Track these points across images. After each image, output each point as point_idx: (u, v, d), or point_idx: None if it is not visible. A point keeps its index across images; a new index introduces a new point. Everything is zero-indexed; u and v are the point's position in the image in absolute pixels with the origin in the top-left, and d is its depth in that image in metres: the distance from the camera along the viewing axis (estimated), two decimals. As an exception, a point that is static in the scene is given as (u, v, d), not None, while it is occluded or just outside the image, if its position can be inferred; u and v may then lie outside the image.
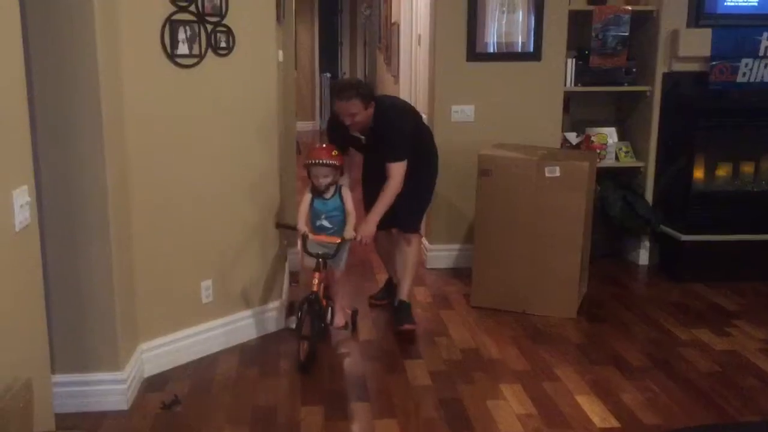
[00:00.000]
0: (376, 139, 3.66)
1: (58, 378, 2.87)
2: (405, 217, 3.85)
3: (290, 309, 3.89)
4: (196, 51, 3.25)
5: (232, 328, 3.61)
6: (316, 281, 3.41)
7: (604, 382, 3.24)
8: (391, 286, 4.21)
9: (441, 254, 4.88)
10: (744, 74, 4.53)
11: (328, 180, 3.45)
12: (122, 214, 3.03)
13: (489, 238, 4.14)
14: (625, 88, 4.82)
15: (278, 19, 3.82)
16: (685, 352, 3.55)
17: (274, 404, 3.05)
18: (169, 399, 3.02)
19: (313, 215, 3.51)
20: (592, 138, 4.87)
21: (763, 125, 4.69)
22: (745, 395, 3.11)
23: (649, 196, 4.88)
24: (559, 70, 4.69)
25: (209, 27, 3.29)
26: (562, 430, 2.83)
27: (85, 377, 2.96)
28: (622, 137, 5.03)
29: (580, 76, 4.79)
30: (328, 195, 3.48)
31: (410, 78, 6.84)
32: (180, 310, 3.39)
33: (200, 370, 3.35)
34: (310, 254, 3.44)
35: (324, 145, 3.53)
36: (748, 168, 4.92)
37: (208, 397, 3.11)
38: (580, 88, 4.80)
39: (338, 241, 3.43)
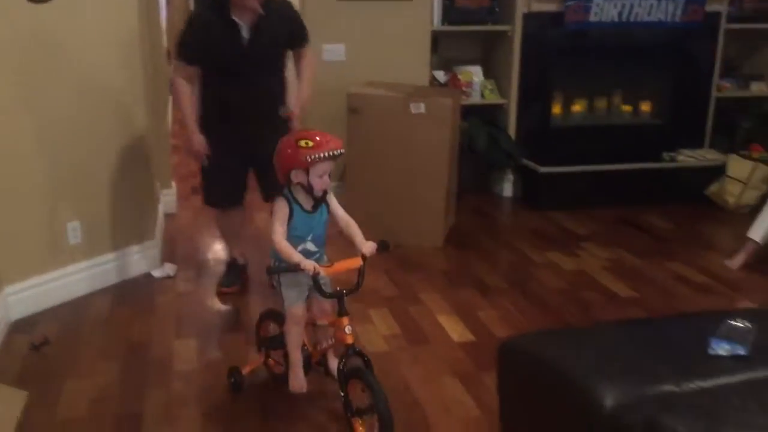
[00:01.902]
0: (266, 30, 3.10)
1: None
2: None
3: (235, 378, 2.72)
4: (50, -17, 3.14)
5: (103, 270, 3.59)
6: (349, 330, 2.38)
7: (465, 303, 3.49)
8: (237, 269, 3.68)
9: (316, 192, 4.98)
10: (596, 14, 4.82)
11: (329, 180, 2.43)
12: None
13: (360, 174, 4.29)
14: (489, 27, 5.02)
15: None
16: (538, 272, 3.87)
17: (147, 339, 3.11)
18: (38, 340, 3.02)
19: (293, 237, 2.40)
20: (459, 76, 5.07)
21: (615, 62, 5.03)
22: (586, 308, 3.45)
23: (512, 131, 5.15)
24: (425, 10, 4.82)
25: (62, -41, 3.18)
26: (423, 346, 3.06)
27: (-54, 322, 2.91)
28: (487, 75, 5.25)
29: (447, 16, 4.94)
30: (309, 205, 2.43)
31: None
32: (46, 251, 3.35)
33: (71, 311, 3.35)
34: (328, 296, 2.41)
35: (316, 131, 2.40)
36: (601, 103, 5.29)
37: (80, 337, 3.13)
38: (446, 28, 4.96)
39: (361, 263, 2.41)
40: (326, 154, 2.32)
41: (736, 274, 3.85)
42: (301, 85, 3.38)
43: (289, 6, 3.36)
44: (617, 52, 4.99)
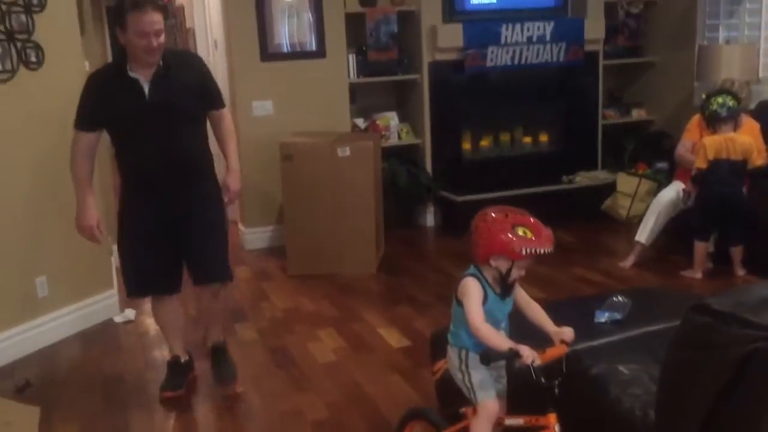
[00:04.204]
0: (171, 83, 2.84)
1: None
2: (221, 263, 3.12)
3: None
4: (8, 67, 3.54)
5: (70, 319, 3.91)
6: (559, 429, 2.07)
7: (400, 317, 3.98)
8: (180, 368, 3.24)
9: (257, 236, 5.41)
10: (491, 60, 5.49)
11: None
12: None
13: (297, 214, 4.76)
14: (399, 77, 5.63)
15: (81, 30, 4.14)
16: (462, 286, 4.40)
17: (120, 373, 3.46)
18: (20, 383, 3.31)
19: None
20: (377, 122, 5.64)
21: (513, 100, 5.70)
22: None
23: (429, 167, 5.73)
24: (342, 65, 5.39)
25: (19, 44, 3.58)
26: (367, 354, 3.52)
27: (-66, 374, 3.18)
28: (402, 119, 5.83)
29: (362, 69, 5.52)
30: (498, 289, 2.17)
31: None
32: (17, 306, 3.65)
33: (46, 357, 3.66)
34: (545, 386, 2.06)
35: (528, 216, 2.19)
36: (505, 137, 5.95)
37: (58, 377, 3.45)
38: (362, 80, 5.54)
39: (566, 351, 2.15)
40: (543, 251, 2.07)
41: (627, 272, 4.49)
42: (229, 162, 3.09)
43: (199, 61, 3.15)
44: (515, 92, 5.66)
